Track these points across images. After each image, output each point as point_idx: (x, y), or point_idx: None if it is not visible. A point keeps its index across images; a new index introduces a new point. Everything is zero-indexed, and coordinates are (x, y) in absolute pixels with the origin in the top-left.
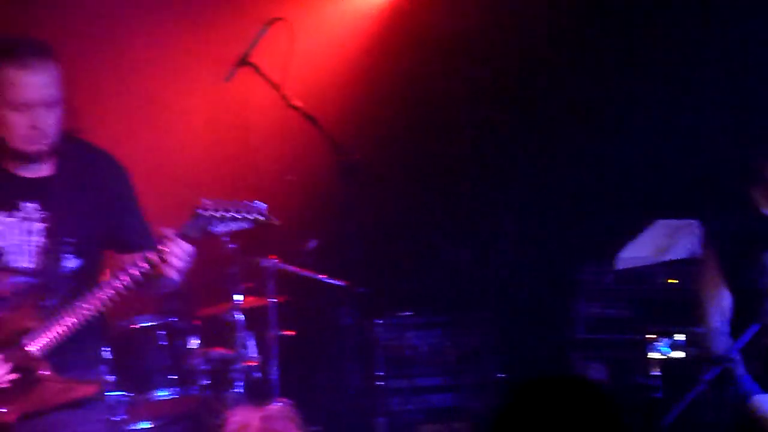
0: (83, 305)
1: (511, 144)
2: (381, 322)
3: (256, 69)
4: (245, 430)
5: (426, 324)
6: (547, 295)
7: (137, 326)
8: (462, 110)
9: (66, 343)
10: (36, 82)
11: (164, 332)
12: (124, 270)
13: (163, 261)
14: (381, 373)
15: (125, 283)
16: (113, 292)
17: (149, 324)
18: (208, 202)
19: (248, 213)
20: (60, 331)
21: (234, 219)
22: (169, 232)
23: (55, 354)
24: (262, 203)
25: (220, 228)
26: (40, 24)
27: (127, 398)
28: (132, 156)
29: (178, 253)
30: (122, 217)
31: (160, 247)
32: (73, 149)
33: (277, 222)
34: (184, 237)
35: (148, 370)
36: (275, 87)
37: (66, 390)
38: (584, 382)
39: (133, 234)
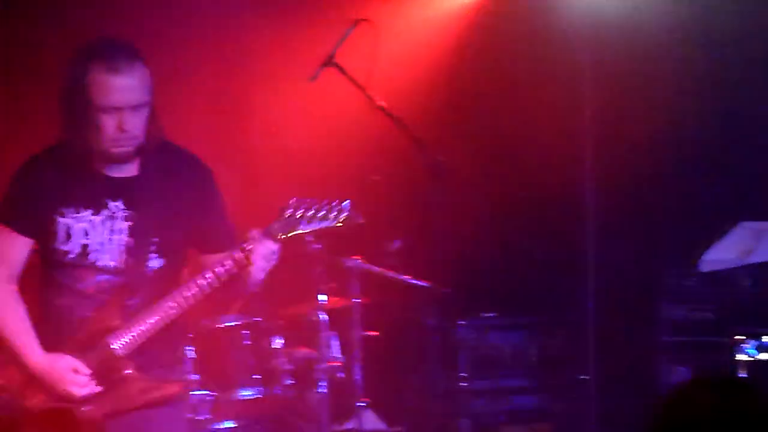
0: (167, 304)
1: (598, 146)
2: (464, 323)
3: (341, 69)
4: None
5: (509, 325)
6: (631, 297)
7: (221, 325)
8: (546, 111)
9: (149, 342)
10: (124, 86)
11: (248, 332)
12: (210, 269)
13: (249, 260)
14: (464, 374)
15: (210, 281)
16: (198, 290)
17: (233, 323)
18: (294, 201)
19: (334, 212)
20: (144, 330)
21: (320, 218)
22: (255, 232)
23: (139, 353)
24: (347, 202)
25: (307, 227)
26: (126, 25)
27: (210, 397)
28: (217, 156)
29: (263, 253)
30: (206, 217)
31: (246, 246)
32: (158, 150)
33: (361, 221)
34: (271, 236)
35: (232, 370)
36: (360, 87)
37: (150, 389)
38: (745, 384)
39: (216, 234)
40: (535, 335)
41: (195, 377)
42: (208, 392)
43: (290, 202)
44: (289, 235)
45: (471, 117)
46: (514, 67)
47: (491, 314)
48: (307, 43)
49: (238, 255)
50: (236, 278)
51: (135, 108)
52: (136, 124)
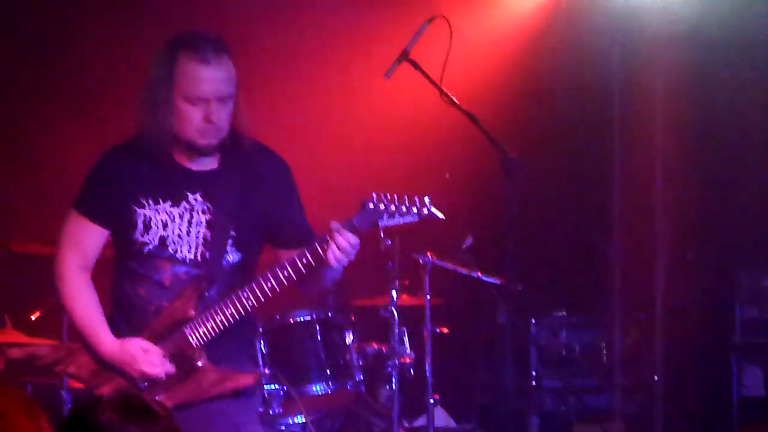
0: (244, 296)
1: (670, 144)
2: (536, 321)
3: (415, 65)
4: None
5: (581, 324)
6: (703, 297)
7: (294, 320)
8: (620, 109)
9: (223, 334)
10: (212, 77)
11: (320, 327)
12: (289, 261)
13: (328, 252)
14: (535, 373)
15: (289, 275)
16: (276, 283)
17: (306, 318)
18: (376, 195)
19: (415, 207)
20: (219, 322)
21: (401, 213)
22: (336, 224)
23: (213, 345)
24: (427, 198)
25: (388, 221)
26: (208, 22)
27: (281, 392)
28: (297, 151)
29: (344, 245)
30: (284, 213)
31: (327, 238)
32: (238, 145)
33: (441, 216)
34: (352, 229)
35: (304, 365)
36: (434, 84)
37: (222, 380)
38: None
39: (293, 230)
40: (606, 335)
41: (267, 371)
42: (279, 386)
43: (372, 195)
44: (370, 227)
45: (545, 113)
46: (588, 63)
47: (562, 313)
48: (383, 39)
49: (319, 247)
50: (314, 272)
51: (222, 100)
52: (222, 116)
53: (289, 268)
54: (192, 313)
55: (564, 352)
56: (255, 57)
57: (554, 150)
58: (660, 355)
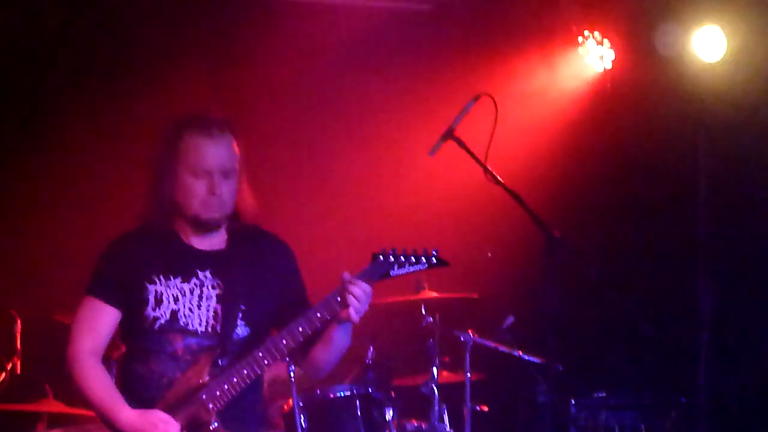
0: (259, 355)
1: (714, 224)
2: (576, 401)
3: (460, 143)
4: None
5: (621, 405)
6: (747, 379)
7: (334, 395)
8: (669, 188)
9: (236, 400)
10: (216, 151)
11: (360, 402)
12: (302, 317)
13: (344, 304)
14: None
15: (303, 330)
16: (291, 339)
17: (346, 393)
18: (386, 249)
19: (423, 257)
20: (236, 383)
21: (411, 263)
22: (347, 274)
23: (224, 413)
24: (435, 249)
25: (398, 271)
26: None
27: None
28: (340, 226)
29: (359, 293)
30: (289, 294)
31: (341, 288)
32: (244, 230)
33: (448, 264)
34: (365, 278)
35: None
36: (479, 162)
37: None
38: None
39: (299, 310)
40: (647, 416)
41: None
42: None
43: (382, 249)
44: (382, 278)
45: (587, 191)
46: (631, 145)
47: (602, 393)
48: (428, 117)
49: (333, 299)
50: (327, 335)
51: (225, 174)
52: (225, 190)
53: (305, 323)
54: (206, 378)
55: None
56: (299, 133)
57: (597, 230)
58: None
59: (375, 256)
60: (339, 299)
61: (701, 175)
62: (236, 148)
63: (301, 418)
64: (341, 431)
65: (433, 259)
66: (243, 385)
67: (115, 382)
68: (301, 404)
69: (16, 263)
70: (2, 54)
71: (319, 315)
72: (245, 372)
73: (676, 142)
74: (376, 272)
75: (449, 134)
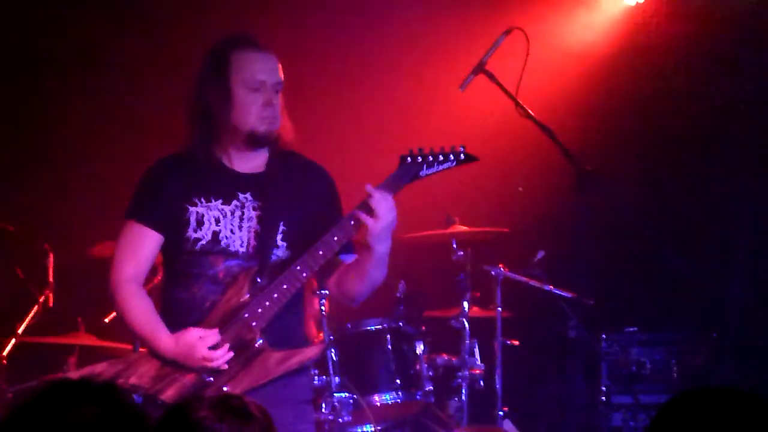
0: (296, 268)
1: (749, 157)
2: (607, 336)
3: (491, 77)
4: None
5: (652, 341)
6: None
7: (365, 329)
8: (697, 123)
9: (277, 317)
10: (269, 66)
11: (391, 336)
12: (331, 231)
13: (371, 215)
14: (605, 388)
15: (338, 239)
16: (326, 250)
17: (377, 327)
18: (412, 149)
19: (452, 154)
20: (276, 299)
21: (439, 161)
22: (370, 186)
23: (267, 329)
24: (462, 145)
25: (428, 171)
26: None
27: (351, 400)
28: (369, 158)
29: (383, 206)
30: (328, 218)
31: (365, 201)
32: (283, 154)
33: (477, 159)
34: (395, 183)
35: (374, 374)
36: (510, 96)
37: (286, 358)
38: (747, 394)
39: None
40: (677, 352)
41: (337, 379)
42: (349, 395)
43: (410, 150)
44: (413, 179)
45: (621, 126)
46: (665, 77)
47: (634, 328)
48: (459, 51)
49: (359, 212)
50: (365, 261)
51: (276, 88)
52: (277, 104)
53: (339, 233)
54: (247, 296)
55: (634, 368)
56: (329, 66)
57: (629, 164)
58: (731, 373)
59: (403, 159)
60: (365, 210)
61: (738, 108)
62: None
63: (331, 351)
64: (372, 365)
65: (462, 155)
66: (284, 300)
67: (161, 308)
68: (332, 338)
69: (50, 197)
70: None
71: (352, 223)
72: (284, 287)
73: (711, 75)
74: (406, 174)
75: (480, 68)
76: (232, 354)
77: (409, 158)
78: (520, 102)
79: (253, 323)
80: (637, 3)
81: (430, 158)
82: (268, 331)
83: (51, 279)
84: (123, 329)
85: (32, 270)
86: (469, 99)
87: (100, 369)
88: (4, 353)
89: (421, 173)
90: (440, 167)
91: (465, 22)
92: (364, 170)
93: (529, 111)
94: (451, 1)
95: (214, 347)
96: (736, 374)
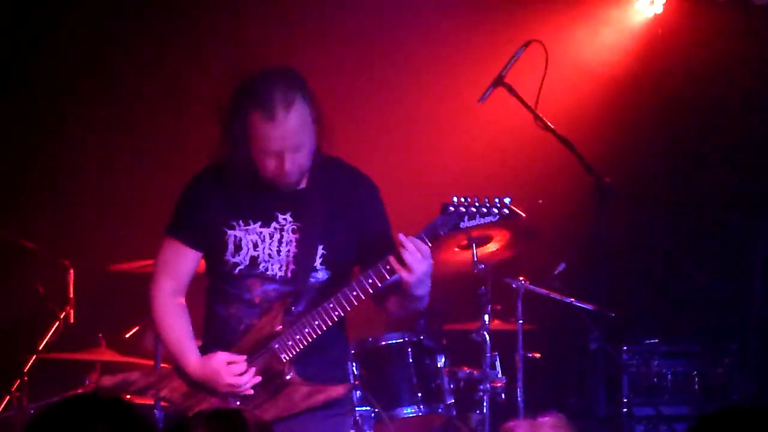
0: (329, 306)
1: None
2: (628, 348)
3: (510, 90)
4: None
5: (673, 352)
6: None
7: (386, 343)
8: (717, 136)
9: (313, 349)
10: (282, 134)
11: (412, 350)
12: (367, 274)
13: (402, 263)
14: (626, 400)
15: (374, 281)
16: (360, 291)
17: (398, 341)
18: (456, 198)
19: (495, 207)
20: (307, 334)
21: (482, 214)
22: (401, 235)
23: (302, 361)
24: (508, 198)
25: (469, 223)
26: (297, 46)
27: (373, 414)
28: (388, 173)
29: (414, 254)
30: (372, 233)
31: (397, 248)
32: (325, 166)
33: (522, 215)
34: (434, 232)
35: (396, 387)
36: (529, 109)
37: (313, 393)
38: None
39: (381, 250)
40: (699, 363)
41: (359, 393)
42: (371, 408)
43: (453, 198)
44: (452, 230)
45: (640, 137)
46: (687, 84)
47: (654, 340)
48: (478, 64)
49: (391, 259)
50: (398, 288)
51: (295, 150)
52: (297, 162)
53: (374, 277)
54: (279, 327)
55: (655, 380)
56: (347, 80)
57: (649, 176)
58: (752, 385)
59: (445, 207)
60: (397, 259)
61: (755, 121)
62: (306, 116)
63: (353, 365)
64: (393, 378)
65: (505, 210)
66: (315, 335)
67: (204, 315)
68: (353, 351)
69: (70, 214)
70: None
71: (388, 267)
72: (317, 323)
73: (729, 88)
74: (446, 224)
75: (499, 81)
76: (258, 379)
77: (451, 207)
78: (540, 114)
79: (282, 355)
80: (656, 15)
81: (473, 209)
82: (304, 363)
83: (71, 295)
84: (144, 344)
85: (53, 287)
86: (488, 112)
87: (134, 377)
88: (26, 369)
89: (462, 225)
90: (482, 221)
91: (484, 35)
92: (384, 184)
93: (549, 123)
94: (469, 14)
95: (240, 373)
96: (757, 386)
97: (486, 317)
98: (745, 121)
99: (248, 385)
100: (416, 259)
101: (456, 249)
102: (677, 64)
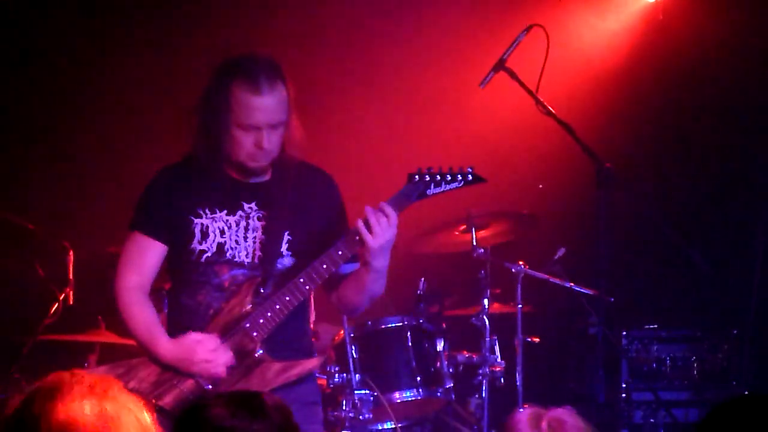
0: (299, 281)
1: None
2: (627, 333)
3: (511, 74)
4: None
5: (672, 338)
6: None
7: (385, 326)
8: (719, 120)
9: (280, 327)
10: (265, 106)
11: (411, 333)
12: (335, 245)
13: (368, 227)
14: (625, 385)
15: (341, 254)
16: (328, 265)
17: (397, 324)
18: (421, 168)
19: (459, 174)
20: (278, 310)
21: (447, 181)
22: (369, 208)
23: (270, 338)
24: (471, 166)
25: (435, 190)
26: (284, 36)
27: (372, 397)
28: (389, 157)
29: (381, 218)
30: (333, 226)
31: (364, 214)
32: (287, 163)
33: (485, 180)
34: (401, 200)
35: (394, 371)
36: (530, 93)
37: (286, 369)
38: None
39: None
40: (697, 349)
41: (357, 377)
42: (369, 392)
43: (418, 168)
44: (419, 198)
45: (642, 123)
46: (687, 70)
47: (654, 326)
48: (479, 48)
49: (359, 226)
50: (363, 274)
51: (273, 127)
52: (273, 142)
53: (343, 247)
54: (249, 307)
55: (655, 365)
56: (350, 63)
57: (649, 161)
58: (751, 370)
59: (411, 177)
60: (364, 226)
61: (757, 107)
62: (286, 96)
63: (352, 348)
64: (392, 362)
65: (469, 176)
66: (286, 311)
67: (168, 313)
68: (352, 335)
69: (70, 195)
70: None
71: (357, 238)
72: (287, 298)
73: (731, 73)
74: (413, 192)
75: (500, 65)
76: (232, 358)
77: (416, 176)
78: (541, 99)
79: (254, 333)
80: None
81: (438, 177)
82: (271, 341)
83: (71, 277)
84: None
85: (52, 268)
86: (489, 96)
87: (100, 372)
88: (25, 351)
89: (428, 192)
90: (447, 187)
91: (485, 19)
92: (387, 163)
93: (550, 108)
94: None
95: (213, 350)
96: (756, 372)
97: (485, 301)
98: (746, 106)
99: (222, 363)
100: (382, 224)
101: (456, 233)
102: (678, 49)
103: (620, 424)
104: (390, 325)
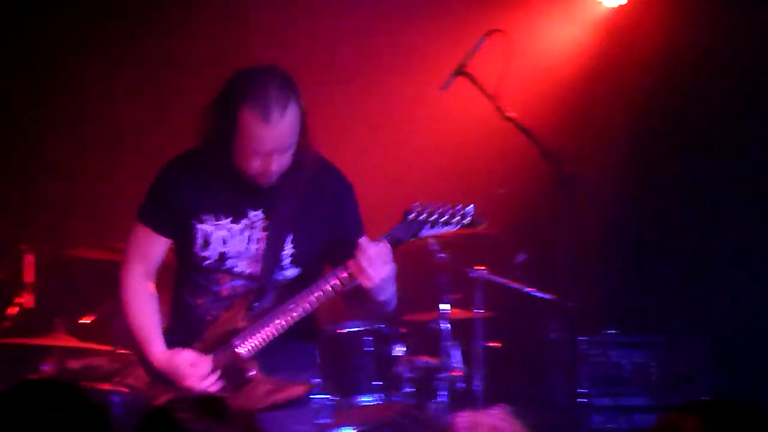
0: (289, 306)
1: (728, 159)
2: (586, 338)
3: (471, 79)
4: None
5: (631, 343)
6: (759, 318)
7: (345, 331)
8: (681, 128)
9: (277, 344)
10: (274, 135)
11: (371, 338)
12: (327, 278)
13: (360, 268)
14: (584, 390)
15: (334, 286)
16: (321, 294)
17: (357, 329)
18: (417, 205)
19: (458, 216)
20: (268, 332)
21: (443, 222)
22: (364, 240)
23: (265, 355)
24: (471, 207)
25: (430, 232)
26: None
27: (332, 402)
28: (348, 161)
29: (372, 261)
30: (343, 231)
31: (356, 254)
32: (301, 162)
33: (485, 225)
34: (394, 240)
35: (354, 375)
36: (490, 98)
37: (275, 391)
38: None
39: (352, 248)
40: (657, 354)
41: (317, 381)
42: (329, 397)
43: (413, 205)
44: (412, 238)
45: (601, 129)
46: (648, 75)
47: (613, 331)
48: (439, 52)
49: (351, 263)
50: (356, 290)
51: (282, 151)
52: (282, 164)
53: (336, 280)
54: (241, 324)
55: (614, 371)
56: (310, 68)
57: (610, 166)
58: (712, 376)
59: (405, 214)
60: (356, 263)
61: (717, 113)
62: (297, 117)
63: None
64: (352, 367)
65: (467, 220)
66: (276, 334)
67: (171, 298)
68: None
69: (28, 198)
70: None
71: (344, 275)
72: (277, 321)
73: (693, 78)
74: (407, 232)
75: (460, 70)
76: (220, 387)
77: (411, 215)
78: (501, 104)
79: (244, 352)
80: (621, 5)
81: (434, 218)
82: (268, 360)
83: (29, 280)
84: (101, 330)
85: (10, 271)
86: (452, 102)
87: (100, 362)
88: None
89: (420, 234)
90: (442, 229)
91: (446, 24)
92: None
93: (509, 113)
94: (432, 4)
95: (203, 377)
96: (717, 377)
97: (445, 306)
98: (707, 112)
99: (210, 390)
100: (375, 267)
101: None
102: (639, 54)
103: (580, 428)
104: (350, 330)
